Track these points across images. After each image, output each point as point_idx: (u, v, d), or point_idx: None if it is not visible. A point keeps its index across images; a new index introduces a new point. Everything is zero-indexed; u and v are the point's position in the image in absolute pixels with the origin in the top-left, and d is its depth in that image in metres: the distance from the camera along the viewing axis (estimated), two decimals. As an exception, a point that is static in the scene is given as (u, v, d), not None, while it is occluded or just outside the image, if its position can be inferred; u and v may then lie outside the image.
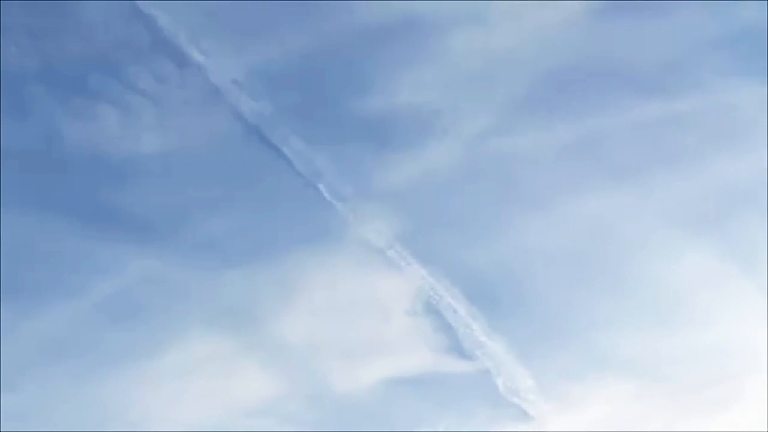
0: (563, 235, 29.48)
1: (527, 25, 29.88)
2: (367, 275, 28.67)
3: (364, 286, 28.67)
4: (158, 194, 28.29)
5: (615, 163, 29.88)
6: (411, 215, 28.84)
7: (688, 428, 27.41)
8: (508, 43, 29.83)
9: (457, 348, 28.48)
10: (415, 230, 28.74)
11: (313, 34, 29.10)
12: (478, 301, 28.54)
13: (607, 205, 29.61)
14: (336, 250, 28.69)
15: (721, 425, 27.20)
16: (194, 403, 27.49)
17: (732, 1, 29.71)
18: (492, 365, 28.37)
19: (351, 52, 29.34)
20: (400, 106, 29.60)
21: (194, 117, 28.61)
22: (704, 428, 27.22)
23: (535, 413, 28.32)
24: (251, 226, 28.79)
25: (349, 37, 29.31)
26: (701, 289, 28.61)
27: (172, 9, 28.27)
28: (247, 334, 28.23)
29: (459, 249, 29.03)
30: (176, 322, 27.97)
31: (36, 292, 27.26)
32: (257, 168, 28.78)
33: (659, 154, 29.58)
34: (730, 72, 29.42)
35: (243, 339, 28.19)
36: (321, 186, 28.46)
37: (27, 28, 28.02)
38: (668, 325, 28.54)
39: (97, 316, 27.64)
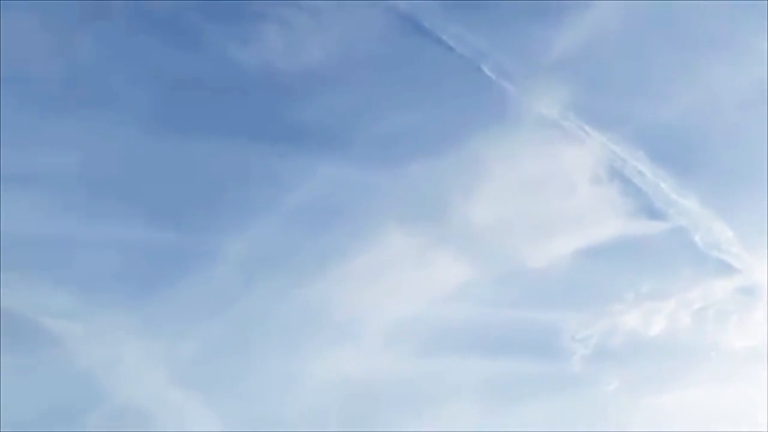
0: (749, 75, 27.93)
1: None
2: (547, 150, 28.40)
3: (544, 161, 28.46)
4: (332, 102, 29.01)
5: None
6: (582, 82, 28.24)
7: None
8: None
9: (648, 210, 27.92)
10: (588, 97, 28.17)
11: None
12: (664, 159, 27.78)
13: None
14: (512, 130, 28.53)
15: None
16: (394, 295, 28.53)
17: None
18: (687, 222, 27.63)
19: None
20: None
21: (352, 21, 28.98)
22: None
23: (740, 265, 27.45)
24: (426, 118, 29.08)
25: None
26: None
27: None
28: (437, 223, 28.82)
29: (637, 108, 28.20)
30: (369, 221, 28.90)
31: (235, 213, 28.89)
32: (422, 60, 28.89)
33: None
34: None
35: (434, 228, 28.79)
36: (486, 68, 28.27)
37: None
38: None
39: (294, 225, 28.93)
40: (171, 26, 28.96)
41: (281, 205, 28.96)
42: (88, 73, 28.56)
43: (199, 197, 28.93)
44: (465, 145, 28.71)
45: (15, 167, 27.62)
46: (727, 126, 27.55)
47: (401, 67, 29.05)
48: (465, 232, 28.53)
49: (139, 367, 27.27)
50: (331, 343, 28.04)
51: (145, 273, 28.40)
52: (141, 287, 28.19)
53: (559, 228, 28.20)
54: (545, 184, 28.43)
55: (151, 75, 28.92)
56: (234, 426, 26.72)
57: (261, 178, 29.14)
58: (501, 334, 27.94)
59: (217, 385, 27.44)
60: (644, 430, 26.87)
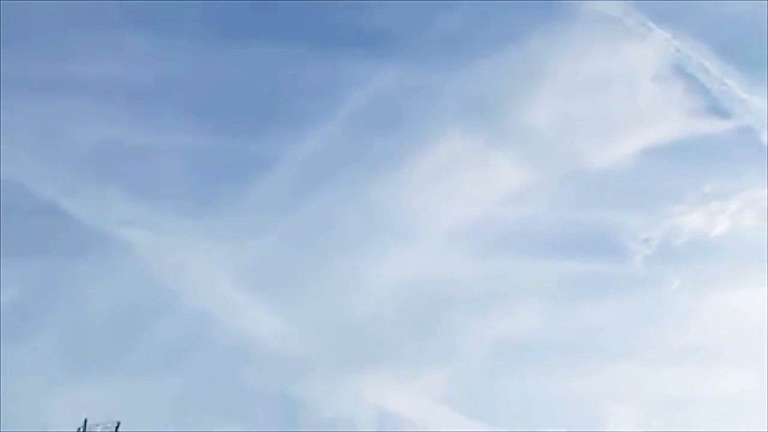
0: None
1: None
2: (609, 47, 27.79)
3: (606, 59, 27.88)
4: (388, 5, 28.80)
5: None
6: (645, -24, 27.35)
7: None
8: None
9: (714, 108, 27.30)
10: (651, -9, 27.30)
11: None
12: (731, 55, 26.97)
13: None
14: (573, 28, 27.96)
15: None
16: (456, 197, 28.59)
17: None
18: (754, 121, 26.95)
19: None
20: None
21: None
22: None
23: (807, 163, 26.81)
24: (485, 17, 28.73)
25: None
26: None
27: None
28: (498, 124, 28.65)
29: (703, 2, 27.37)
30: (429, 123, 28.82)
31: (296, 118, 29.09)
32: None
33: None
34: None
35: (495, 129, 28.64)
36: (546, -35, 27.60)
37: None
38: None
39: (354, 130, 28.97)
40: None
41: (341, 109, 29.05)
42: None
43: (260, 104, 29.21)
44: (525, 44, 28.32)
45: (84, 80, 28.25)
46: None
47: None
48: (526, 133, 28.36)
49: (206, 272, 27.95)
50: (393, 246, 28.36)
51: (211, 180, 28.98)
52: (206, 194, 28.79)
53: (622, 128, 27.87)
54: (607, 82, 27.96)
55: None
56: (302, 327, 27.32)
57: (320, 84, 29.23)
58: (563, 235, 27.95)
59: (281, 288, 27.99)
60: (708, 328, 26.78)
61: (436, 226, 28.37)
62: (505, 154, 28.40)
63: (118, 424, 19.38)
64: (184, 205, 28.30)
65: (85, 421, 19.16)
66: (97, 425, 19.28)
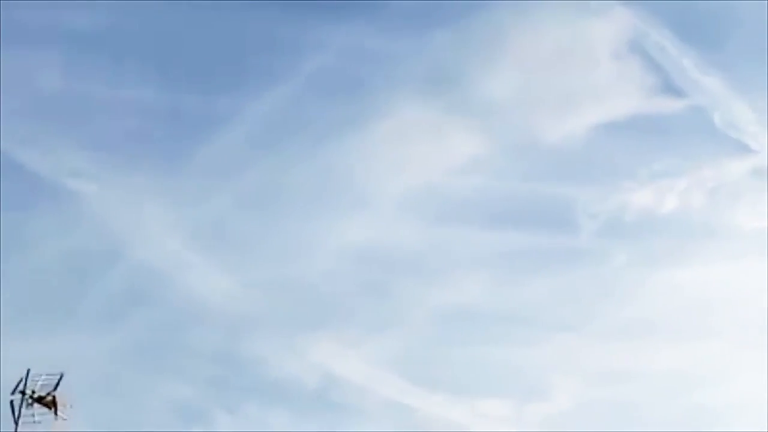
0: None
1: None
2: (569, 22, 27.90)
3: (566, 34, 28.01)
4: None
5: None
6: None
7: None
8: None
9: (669, 87, 27.59)
10: (614, -32, 27.46)
11: None
12: (688, 35, 27.29)
13: None
14: (534, 1, 28.06)
15: None
16: (408, 165, 28.71)
17: None
18: (707, 101, 27.31)
19: None
20: None
21: None
22: None
23: (757, 146, 27.28)
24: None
25: None
26: None
27: None
28: (455, 93, 28.62)
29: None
30: (388, 90, 28.83)
31: (251, 78, 28.98)
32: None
33: None
34: None
35: (450, 100, 28.64)
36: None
37: None
38: None
39: (310, 93, 28.94)
40: None
41: (302, 70, 28.92)
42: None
43: (221, 61, 29.00)
44: (487, 14, 28.42)
45: (40, 29, 27.86)
46: (759, 3, 26.82)
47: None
48: (483, 105, 28.45)
49: (156, 228, 27.77)
50: (346, 210, 28.47)
51: (166, 135, 28.76)
52: (161, 150, 28.56)
53: (577, 103, 28.05)
54: (566, 57, 28.11)
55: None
56: (250, 287, 27.29)
57: (283, 44, 29.03)
58: (513, 206, 28.16)
59: (231, 247, 27.98)
60: (652, 304, 27.18)
61: (388, 193, 28.52)
62: (461, 125, 28.48)
63: (61, 375, 19.13)
64: (138, 161, 28.11)
65: (28, 371, 18.90)
66: (40, 376, 18.99)
